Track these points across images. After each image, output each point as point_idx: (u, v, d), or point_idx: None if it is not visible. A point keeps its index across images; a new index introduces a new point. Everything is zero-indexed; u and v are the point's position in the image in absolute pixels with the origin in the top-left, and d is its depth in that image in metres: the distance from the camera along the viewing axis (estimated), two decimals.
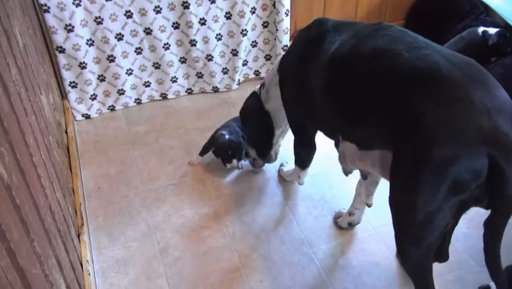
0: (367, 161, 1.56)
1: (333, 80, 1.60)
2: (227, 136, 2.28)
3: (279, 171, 2.36)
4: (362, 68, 1.48)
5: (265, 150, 2.28)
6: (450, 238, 1.75)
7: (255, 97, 2.22)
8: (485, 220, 1.33)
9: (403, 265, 1.61)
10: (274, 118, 2.16)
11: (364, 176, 1.90)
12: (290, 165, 2.28)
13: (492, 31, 2.51)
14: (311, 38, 1.76)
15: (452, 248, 1.77)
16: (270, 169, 2.40)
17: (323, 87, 1.64)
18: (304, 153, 2.09)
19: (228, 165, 2.31)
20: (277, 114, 2.13)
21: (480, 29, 2.54)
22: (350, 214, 2.05)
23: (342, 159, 1.74)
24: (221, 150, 2.30)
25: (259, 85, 2.22)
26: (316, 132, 1.97)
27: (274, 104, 2.11)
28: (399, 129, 1.34)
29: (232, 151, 2.27)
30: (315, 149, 2.05)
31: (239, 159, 2.37)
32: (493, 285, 1.65)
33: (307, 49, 1.76)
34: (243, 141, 2.33)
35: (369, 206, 2.00)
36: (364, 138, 1.54)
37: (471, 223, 1.99)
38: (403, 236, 1.46)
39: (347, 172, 1.91)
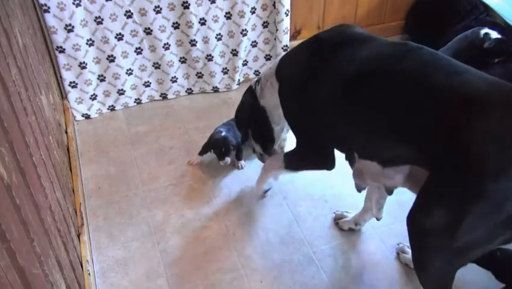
0: (395, 177, 1.52)
1: (357, 101, 1.53)
2: (223, 133, 2.29)
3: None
4: (396, 91, 1.42)
5: (268, 145, 2.20)
6: None
7: (250, 92, 2.13)
8: None
9: (424, 284, 1.51)
10: (270, 114, 2.08)
11: (390, 191, 1.79)
12: None
13: (494, 35, 2.49)
14: (319, 53, 1.67)
15: None
16: None
17: (343, 108, 1.57)
18: (308, 161, 1.95)
19: (221, 162, 2.29)
20: (273, 111, 2.06)
21: (483, 30, 2.52)
22: (356, 224, 2.03)
23: (359, 177, 1.69)
24: (214, 145, 2.31)
25: (255, 80, 2.18)
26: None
27: (269, 102, 2.04)
28: (444, 155, 1.30)
29: (225, 149, 2.26)
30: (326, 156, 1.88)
31: (239, 159, 2.38)
32: None
33: (316, 63, 1.67)
34: (240, 142, 2.32)
35: (378, 219, 1.98)
36: (389, 158, 1.50)
37: None
38: (432, 256, 1.41)
39: (360, 188, 1.87)
